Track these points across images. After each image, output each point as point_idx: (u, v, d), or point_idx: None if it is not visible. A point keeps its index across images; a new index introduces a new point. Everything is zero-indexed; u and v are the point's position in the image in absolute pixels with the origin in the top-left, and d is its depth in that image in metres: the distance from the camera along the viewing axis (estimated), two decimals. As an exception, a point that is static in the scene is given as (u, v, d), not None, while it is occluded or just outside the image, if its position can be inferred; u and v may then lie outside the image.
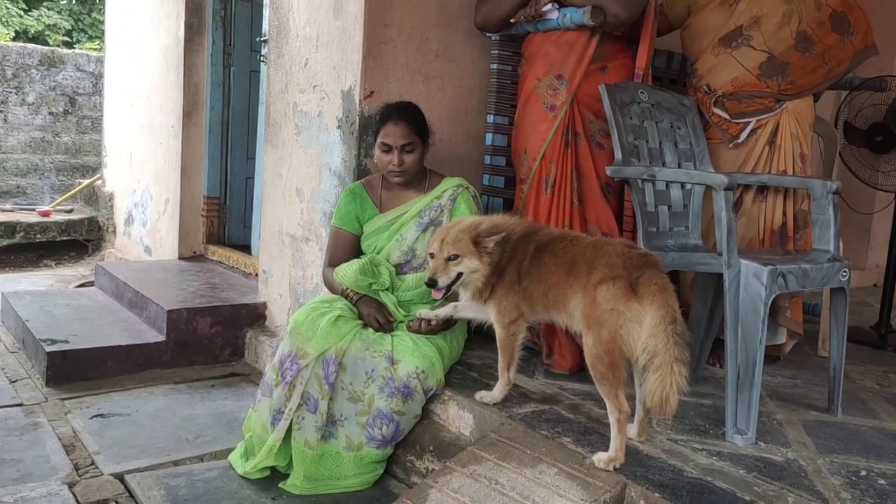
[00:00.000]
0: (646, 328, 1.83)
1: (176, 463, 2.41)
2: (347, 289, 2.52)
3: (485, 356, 2.70)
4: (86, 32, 12.97)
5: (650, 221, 2.41)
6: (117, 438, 2.55)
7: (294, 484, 2.27)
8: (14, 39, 10.98)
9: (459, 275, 2.12)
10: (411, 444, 2.37)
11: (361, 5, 2.80)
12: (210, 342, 3.40)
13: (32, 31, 12.04)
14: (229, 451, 2.46)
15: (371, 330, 2.44)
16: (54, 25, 12.41)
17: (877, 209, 4.41)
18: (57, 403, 2.84)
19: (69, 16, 12.99)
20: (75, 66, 7.32)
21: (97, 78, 7.31)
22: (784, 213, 2.76)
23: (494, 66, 2.97)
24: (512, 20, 2.80)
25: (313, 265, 3.13)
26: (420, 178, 2.67)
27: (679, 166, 2.60)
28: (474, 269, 2.11)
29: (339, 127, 2.96)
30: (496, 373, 2.29)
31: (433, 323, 2.41)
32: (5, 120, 6.99)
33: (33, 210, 6.35)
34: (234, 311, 3.46)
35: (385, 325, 2.46)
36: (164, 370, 3.26)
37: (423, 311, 2.41)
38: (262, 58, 3.99)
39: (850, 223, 3.71)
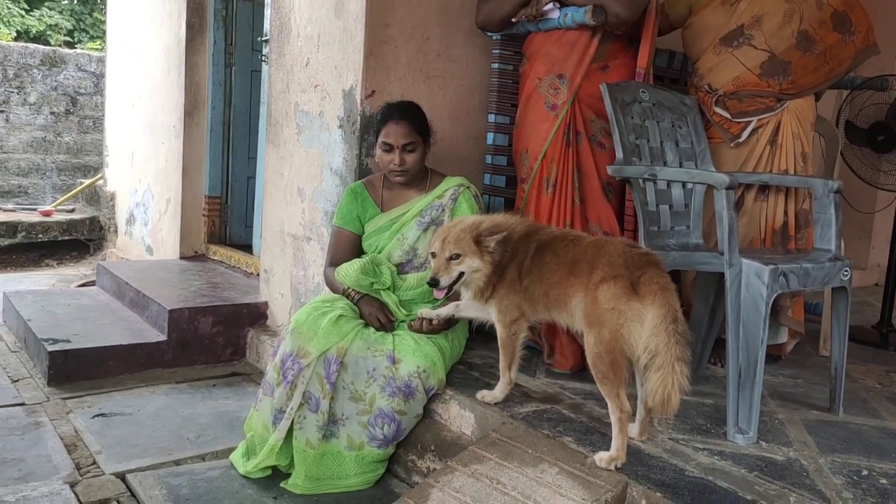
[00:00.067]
0: (647, 327, 1.83)
1: (177, 462, 2.41)
2: (349, 288, 2.52)
3: (486, 355, 2.70)
4: (87, 32, 13.00)
5: (651, 221, 2.41)
6: (119, 438, 2.56)
7: (295, 483, 2.27)
8: (16, 39, 11.00)
9: (461, 274, 2.12)
10: (413, 444, 2.37)
11: (363, 5, 2.80)
12: (211, 342, 3.40)
13: (34, 31, 12.06)
14: (231, 450, 2.46)
15: (372, 329, 2.44)
16: (56, 25, 12.43)
17: (878, 208, 4.41)
18: (58, 403, 2.85)
19: (70, 16, 13.01)
20: (77, 65, 7.33)
21: (98, 78, 7.32)
22: (785, 213, 2.76)
23: (496, 65, 2.96)
24: (513, 20, 2.80)
25: (314, 265, 3.13)
26: (421, 178, 2.67)
27: (680, 165, 2.60)
28: (476, 269, 2.11)
29: (340, 126, 2.97)
30: (497, 372, 2.29)
31: (434, 322, 2.41)
32: (7, 120, 7.00)
33: (35, 210, 6.36)
34: (235, 310, 3.46)
35: (386, 324, 2.46)
36: (165, 370, 3.26)
37: (425, 311, 2.41)
38: (263, 57, 3.99)
39: (851, 222, 3.71)
